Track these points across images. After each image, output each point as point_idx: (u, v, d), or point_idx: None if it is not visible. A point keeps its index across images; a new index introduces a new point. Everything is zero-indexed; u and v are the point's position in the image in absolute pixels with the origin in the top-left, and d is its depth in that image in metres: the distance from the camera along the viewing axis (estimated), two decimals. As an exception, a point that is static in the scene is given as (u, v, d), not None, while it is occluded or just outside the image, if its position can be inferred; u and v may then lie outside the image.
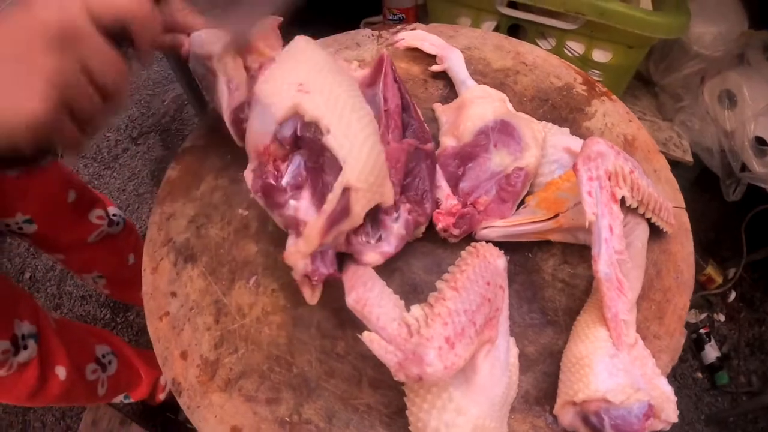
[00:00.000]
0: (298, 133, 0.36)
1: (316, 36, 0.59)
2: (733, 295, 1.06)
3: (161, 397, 0.90)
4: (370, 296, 0.34)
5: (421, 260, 0.42)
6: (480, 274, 0.33)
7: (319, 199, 0.35)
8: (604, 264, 0.34)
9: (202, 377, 0.38)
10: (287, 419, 0.36)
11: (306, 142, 0.36)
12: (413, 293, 0.40)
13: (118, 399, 0.80)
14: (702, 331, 1.00)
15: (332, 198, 0.33)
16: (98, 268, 0.79)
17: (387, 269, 0.40)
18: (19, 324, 0.55)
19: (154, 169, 1.41)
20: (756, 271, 1.08)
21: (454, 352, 0.29)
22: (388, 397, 0.35)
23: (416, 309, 0.32)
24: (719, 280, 1.04)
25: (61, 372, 0.60)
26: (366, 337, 0.31)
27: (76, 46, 0.26)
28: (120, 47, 0.29)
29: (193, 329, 0.40)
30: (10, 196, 0.60)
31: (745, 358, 1.01)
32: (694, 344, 1.01)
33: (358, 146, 0.34)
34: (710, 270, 1.04)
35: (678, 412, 0.34)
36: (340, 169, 0.33)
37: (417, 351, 0.29)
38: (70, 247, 0.73)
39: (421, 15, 0.96)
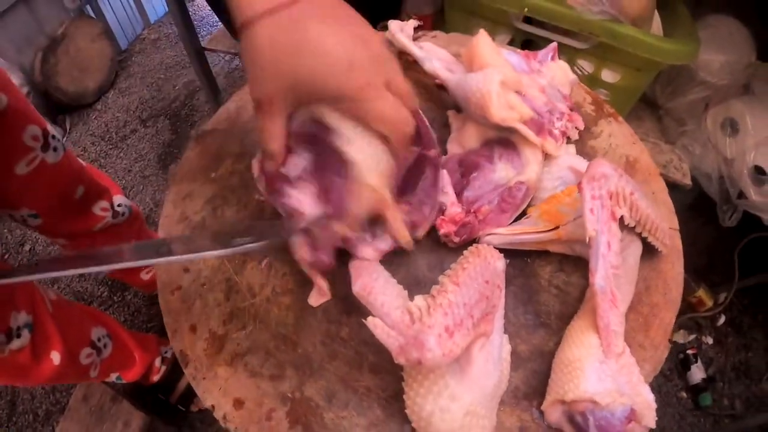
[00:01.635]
0: (308, 129, 0.36)
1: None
2: (722, 319, 1.09)
3: (155, 378, 0.91)
4: (375, 285, 0.36)
5: (425, 257, 0.44)
6: (480, 273, 0.35)
7: (324, 195, 0.36)
8: (600, 277, 0.37)
9: (209, 350, 0.40)
10: (289, 395, 0.37)
11: (315, 139, 0.37)
12: (416, 287, 0.42)
13: (111, 378, 0.81)
14: (689, 351, 1.02)
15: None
16: None
17: (392, 264, 0.42)
18: (16, 315, 0.55)
19: (162, 152, 1.43)
20: (746, 297, 1.10)
21: (453, 341, 0.31)
22: (387, 381, 0.37)
23: (419, 299, 0.34)
24: (710, 303, 1.07)
25: (55, 357, 0.61)
26: (370, 321, 0.33)
27: None
28: None
29: (203, 304, 0.42)
30: (16, 192, 0.60)
31: (730, 382, 1.03)
32: (681, 364, 1.03)
33: (371, 148, 0.35)
34: (701, 293, 1.06)
35: (656, 418, 0.36)
36: (347, 168, 0.35)
37: (418, 337, 0.30)
38: (73, 236, 0.73)
39: (438, 23, 0.99)
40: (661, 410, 0.99)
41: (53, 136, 0.62)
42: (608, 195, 0.38)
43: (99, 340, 0.73)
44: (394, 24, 0.58)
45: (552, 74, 0.54)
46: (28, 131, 0.57)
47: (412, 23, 0.59)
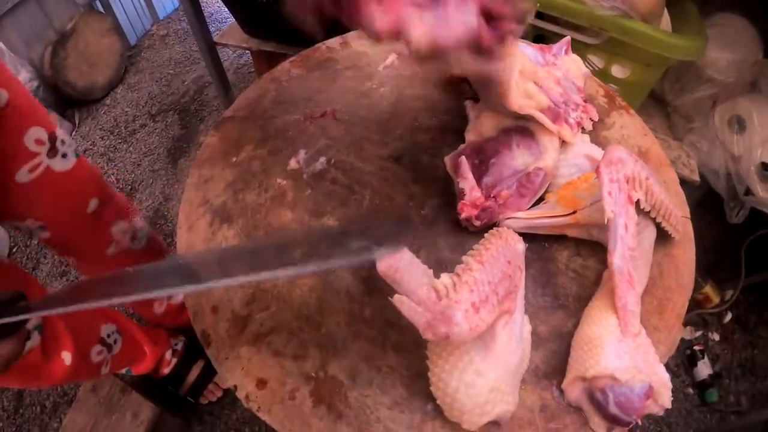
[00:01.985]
0: None
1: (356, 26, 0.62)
2: (728, 316, 1.09)
3: (165, 370, 0.91)
4: (400, 264, 0.37)
5: (446, 240, 0.44)
6: (502, 253, 0.36)
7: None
8: (618, 258, 0.38)
9: (231, 331, 0.41)
10: (313, 375, 0.38)
11: None
12: (438, 267, 0.42)
13: (121, 371, 0.80)
14: (696, 347, 1.03)
15: None
16: None
17: (414, 246, 0.43)
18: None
19: (171, 147, 1.44)
20: (753, 295, 1.10)
21: (479, 316, 0.31)
22: (410, 360, 0.38)
23: (445, 277, 0.34)
24: (716, 300, 1.07)
25: (66, 357, 0.60)
26: (397, 299, 0.33)
27: None
28: None
29: (225, 286, 0.43)
30: (18, 203, 0.54)
31: (736, 379, 1.03)
32: (688, 360, 1.04)
33: None
34: (708, 289, 1.07)
35: (672, 397, 0.36)
36: None
37: (445, 312, 0.31)
38: (86, 256, 0.68)
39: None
40: (667, 406, 1.00)
41: (63, 141, 0.56)
42: (625, 179, 0.38)
43: (109, 336, 0.72)
44: None
45: (567, 67, 0.55)
46: (31, 133, 0.52)
47: None
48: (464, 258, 0.35)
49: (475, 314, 0.31)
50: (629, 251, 0.38)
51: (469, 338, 0.31)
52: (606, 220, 0.38)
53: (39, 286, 0.60)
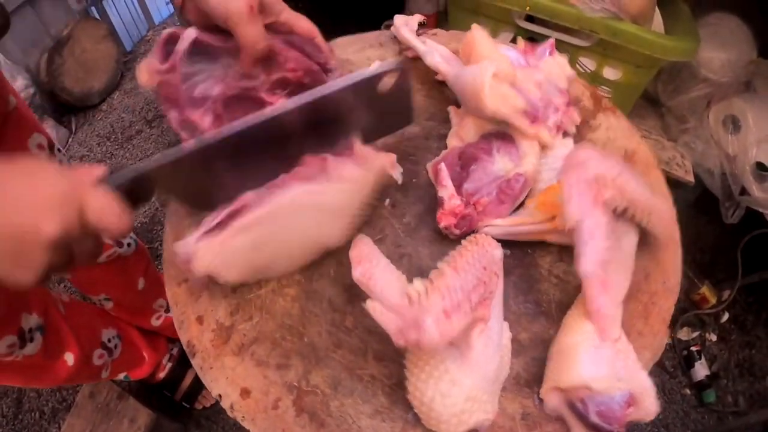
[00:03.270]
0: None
1: (342, 34, 0.62)
2: (725, 317, 1.08)
3: (161, 375, 0.92)
4: (375, 271, 0.37)
5: (428, 248, 0.44)
6: (478, 259, 0.36)
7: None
8: (586, 263, 0.36)
9: (216, 341, 0.41)
10: (295, 384, 0.38)
11: None
12: (420, 275, 0.42)
13: (119, 377, 0.82)
14: (693, 348, 1.02)
15: None
16: (105, 290, 0.76)
17: (396, 254, 0.43)
18: (27, 317, 0.55)
19: (168, 153, 1.44)
20: (750, 295, 1.10)
21: (450, 323, 0.31)
22: (391, 369, 0.38)
23: (418, 282, 0.34)
24: (713, 300, 1.07)
25: (69, 358, 0.61)
26: (370, 305, 0.33)
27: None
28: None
29: (210, 296, 0.43)
30: None
31: (734, 379, 1.03)
32: (685, 361, 1.03)
33: None
34: (705, 290, 1.06)
35: (657, 403, 0.36)
36: None
37: (416, 318, 0.31)
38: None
39: (442, 22, 1.00)
40: (665, 407, 1.00)
41: (58, 149, 0.60)
42: (592, 179, 0.37)
43: (109, 341, 0.73)
44: (399, 18, 0.59)
45: (549, 69, 0.54)
46: (34, 138, 0.56)
47: (417, 17, 0.60)
48: (439, 264, 0.35)
49: (446, 321, 0.31)
50: (601, 253, 0.37)
51: (440, 344, 0.31)
52: (566, 229, 0.37)
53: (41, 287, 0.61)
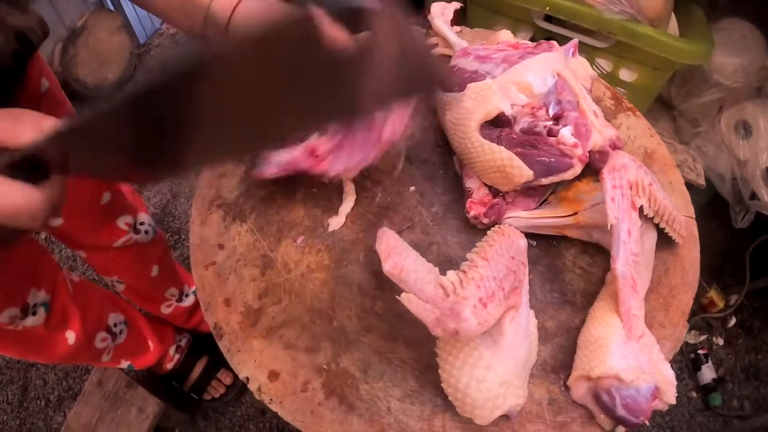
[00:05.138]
0: None
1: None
2: (733, 321, 1.09)
3: (169, 366, 0.92)
4: (405, 263, 0.37)
5: (456, 237, 0.45)
6: (505, 249, 0.37)
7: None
8: (621, 263, 0.38)
9: (244, 323, 0.41)
10: (324, 367, 0.38)
11: None
12: (448, 265, 0.43)
13: (122, 365, 0.81)
14: (700, 351, 1.03)
15: None
16: (119, 273, 0.77)
17: (424, 243, 0.44)
18: (35, 293, 0.55)
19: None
20: (757, 300, 1.10)
21: (487, 311, 0.32)
22: (421, 353, 0.38)
23: (451, 274, 0.35)
24: (721, 304, 1.07)
25: (70, 336, 0.61)
26: (404, 298, 0.34)
27: None
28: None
29: (238, 279, 0.43)
30: None
31: (740, 383, 1.03)
32: (692, 364, 1.04)
33: None
34: (713, 294, 1.07)
35: (676, 394, 0.37)
36: None
37: (454, 308, 0.31)
38: (94, 249, 0.70)
39: (460, 20, 1.00)
40: (671, 409, 1.00)
41: None
42: (628, 185, 0.39)
43: (115, 326, 0.73)
44: (435, 6, 0.59)
45: (574, 69, 0.55)
46: None
47: (454, 5, 0.59)
48: (469, 255, 0.36)
49: (483, 309, 0.32)
50: (633, 256, 0.39)
51: (478, 333, 0.32)
52: (609, 226, 0.38)
53: (51, 262, 0.60)
